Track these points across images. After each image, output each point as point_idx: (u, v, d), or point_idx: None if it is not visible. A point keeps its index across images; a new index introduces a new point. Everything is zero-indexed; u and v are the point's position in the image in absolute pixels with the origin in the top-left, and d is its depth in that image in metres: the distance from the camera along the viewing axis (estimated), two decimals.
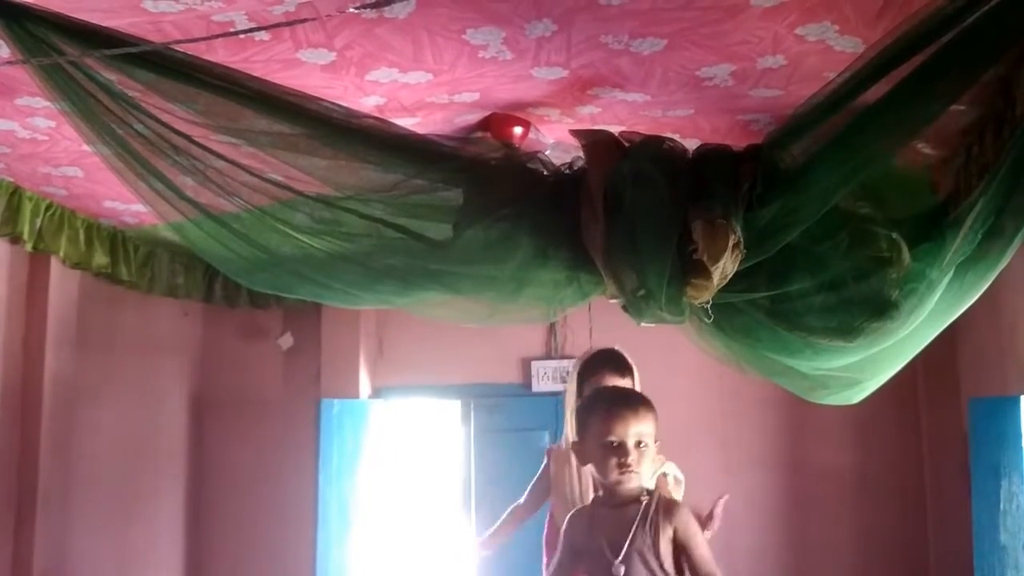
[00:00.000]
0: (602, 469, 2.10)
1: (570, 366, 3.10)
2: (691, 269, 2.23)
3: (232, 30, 2.16)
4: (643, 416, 2.08)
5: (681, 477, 2.77)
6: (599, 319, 4.36)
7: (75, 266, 3.93)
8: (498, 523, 3.07)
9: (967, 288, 2.25)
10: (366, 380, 5.15)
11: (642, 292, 2.35)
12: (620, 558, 2.02)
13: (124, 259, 4.22)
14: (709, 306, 2.35)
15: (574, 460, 2.66)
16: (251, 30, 2.18)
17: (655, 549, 2.03)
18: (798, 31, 2.28)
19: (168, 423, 4.99)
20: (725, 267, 2.20)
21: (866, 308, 2.25)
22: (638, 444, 2.06)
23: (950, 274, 2.20)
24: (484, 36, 2.30)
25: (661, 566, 2.02)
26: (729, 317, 2.45)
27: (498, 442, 4.97)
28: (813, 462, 4.81)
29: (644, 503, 2.08)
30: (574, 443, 2.26)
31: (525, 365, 5.07)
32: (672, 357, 3.93)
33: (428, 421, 5.35)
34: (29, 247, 3.65)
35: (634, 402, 2.13)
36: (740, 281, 2.28)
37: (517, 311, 2.81)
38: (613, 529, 2.07)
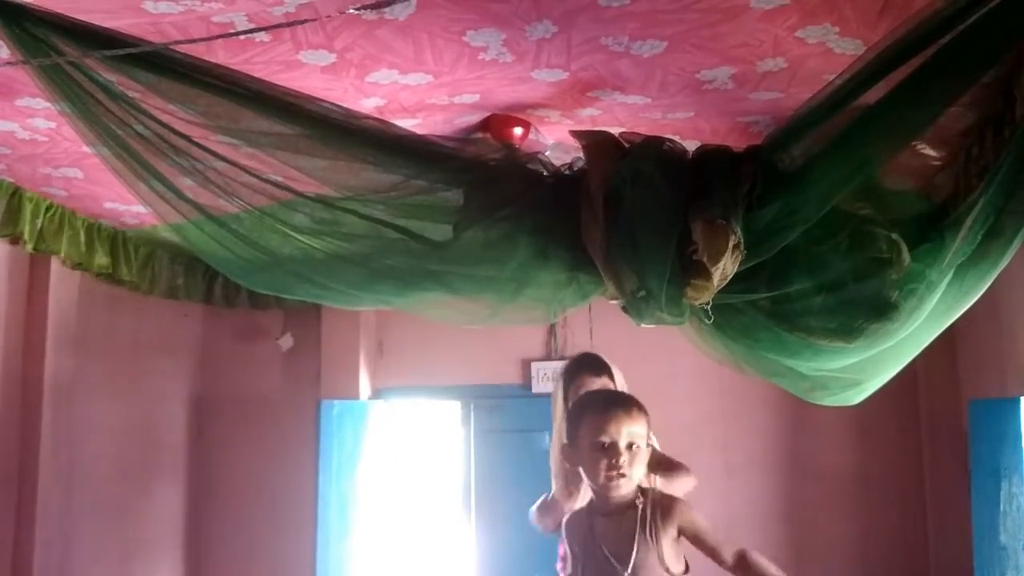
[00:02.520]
0: (592, 472, 2.05)
1: None
2: (691, 270, 2.23)
3: (232, 31, 2.16)
4: (636, 417, 2.05)
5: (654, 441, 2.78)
6: (599, 320, 4.37)
7: (75, 267, 3.94)
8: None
9: (967, 289, 2.25)
10: (366, 381, 5.15)
11: (642, 293, 2.35)
12: (629, 570, 1.98)
13: (124, 260, 4.22)
14: (709, 307, 2.35)
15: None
16: (251, 31, 2.18)
17: (659, 554, 2.00)
18: (798, 33, 2.28)
19: (168, 424, 4.99)
20: (725, 268, 2.20)
21: (866, 309, 2.25)
22: (630, 446, 2.02)
23: (950, 275, 2.19)
24: (484, 38, 2.31)
25: (667, 570, 2.00)
26: (729, 318, 2.45)
27: (498, 443, 4.97)
28: (813, 463, 4.81)
29: (640, 508, 2.03)
30: (564, 446, 2.23)
31: (525, 366, 5.07)
32: (672, 358, 3.94)
33: (428, 422, 5.35)
34: (29, 248, 3.65)
35: (627, 402, 2.10)
36: (740, 282, 2.28)
37: (517, 312, 2.81)
38: (614, 539, 2.03)
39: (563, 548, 2.81)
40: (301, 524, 4.97)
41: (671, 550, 2.01)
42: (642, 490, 2.08)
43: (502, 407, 5.02)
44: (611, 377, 2.78)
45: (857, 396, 2.76)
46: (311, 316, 5.09)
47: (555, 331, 5.01)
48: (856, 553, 4.70)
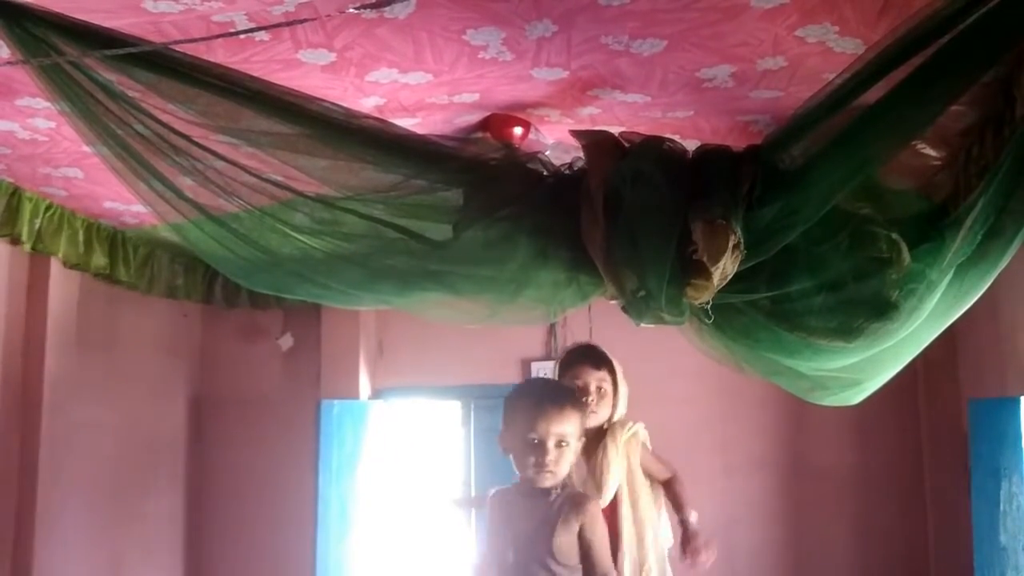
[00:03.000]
0: (520, 463, 2.14)
1: None
2: (691, 270, 2.23)
3: (232, 30, 2.16)
4: (568, 415, 2.11)
5: (646, 439, 2.79)
6: (599, 320, 4.36)
7: (74, 267, 3.94)
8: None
9: (967, 289, 2.25)
10: (366, 381, 5.15)
11: (642, 293, 2.35)
12: (517, 547, 2.08)
13: (123, 260, 4.22)
14: (709, 307, 2.35)
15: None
16: (251, 30, 2.18)
17: (549, 542, 2.06)
18: (798, 32, 2.28)
19: (168, 424, 4.99)
20: (725, 268, 2.20)
21: (866, 309, 2.25)
22: (559, 444, 2.08)
23: (950, 275, 2.19)
24: (484, 37, 2.30)
25: (556, 560, 2.05)
26: (729, 318, 2.45)
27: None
28: (813, 462, 4.81)
29: (553, 497, 2.11)
30: (500, 432, 2.28)
31: (525, 366, 5.07)
32: (672, 358, 3.93)
33: (428, 422, 5.35)
34: (28, 248, 3.65)
35: (559, 400, 2.15)
36: (740, 282, 2.28)
37: (517, 312, 2.81)
38: (521, 518, 2.12)
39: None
40: (301, 524, 4.96)
41: (565, 543, 2.08)
42: (563, 484, 2.15)
43: (502, 407, 5.01)
44: (611, 371, 2.73)
45: (857, 396, 2.76)
46: (311, 316, 5.09)
47: (555, 331, 5.01)
48: (856, 553, 4.70)
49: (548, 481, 2.11)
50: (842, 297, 2.27)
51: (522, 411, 2.14)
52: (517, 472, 2.18)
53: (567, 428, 2.10)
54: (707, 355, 2.80)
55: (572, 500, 2.12)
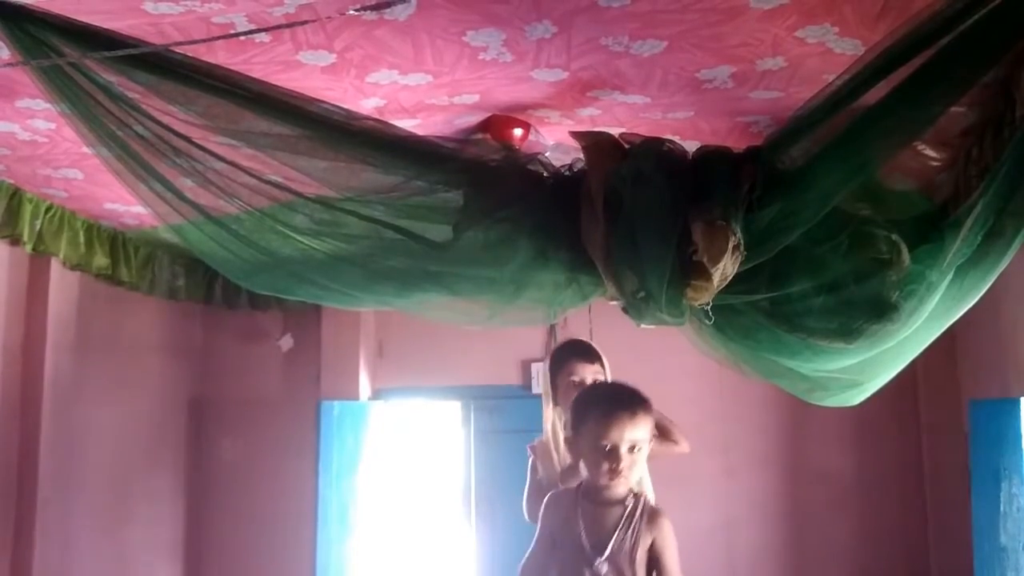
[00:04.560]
0: (593, 470, 2.10)
1: None
2: (691, 271, 2.23)
3: (232, 32, 2.16)
4: (640, 420, 2.08)
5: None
6: (599, 320, 4.36)
7: (75, 268, 3.94)
8: None
9: (967, 290, 2.25)
10: (366, 382, 5.15)
11: (642, 294, 2.35)
12: (604, 556, 2.03)
13: (124, 261, 4.22)
14: (709, 308, 2.35)
15: (560, 449, 2.71)
16: (251, 32, 2.18)
17: (631, 555, 2.04)
18: (798, 33, 2.28)
19: (168, 424, 4.99)
20: (725, 269, 2.20)
21: (866, 310, 2.25)
22: (631, 449, 2.06)
23: (950, 276, 2.19)
24: (484, 38, 2.31)
25: (635, 573, 2.03)
26: (729, 319, 2.45)
27: (498, 443, 4.97)
28: (813, 463, 4.81)
29: (629, 507, 2.08)
30: (567, 436, 2.27)
31: (525, 367, 5.07)
32: (673, 359, 3.94)
33: (428, 423, 5.35)
34: (29, 249, 3.65)
35: (632, 405, 2.11)
36: (740, 283, 2.28)
37: (517, 313, 2.81)
38: (595, 526, 2.08)
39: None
40: (301, 525, 4.97)
41: (642, 556, 2.05)
42: (635, 493, 2.12)
43: (502, 408, 5.02)
44: (603, 365, 2.79)
45: (857, 397, 2.76)
46: (311, 317, 5.09)
47: (555, 332, 5.01)
48: (856, 554, 4.70)
49: (622, 487, 2.08)
50: (842, 298, 2.27)
51: (593, 417, 2.09)
52: (589, 476, 2.14)
53: (639, 433, 2.06)
54: (707, 356, 2.79)
55: (648, 513, 2.09)
